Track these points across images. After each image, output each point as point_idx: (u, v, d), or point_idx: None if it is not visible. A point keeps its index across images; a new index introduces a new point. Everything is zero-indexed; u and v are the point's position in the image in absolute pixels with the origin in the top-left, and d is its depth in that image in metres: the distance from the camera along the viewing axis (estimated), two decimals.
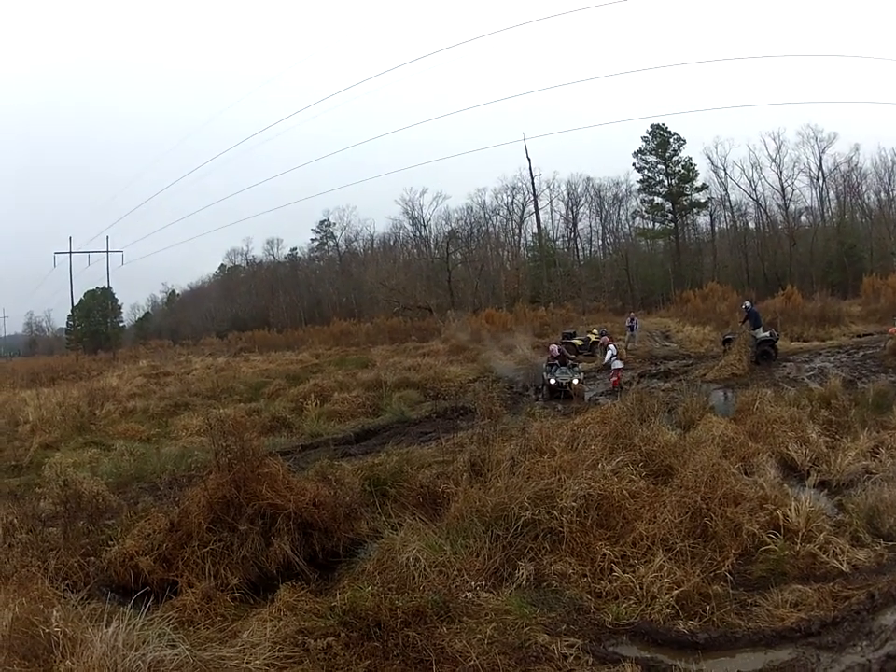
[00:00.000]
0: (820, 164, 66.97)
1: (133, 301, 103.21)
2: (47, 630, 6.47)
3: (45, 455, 18.45)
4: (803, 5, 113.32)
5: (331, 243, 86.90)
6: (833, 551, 8.90)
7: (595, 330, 37.59)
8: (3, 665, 6.25)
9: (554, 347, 25.91)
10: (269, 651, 6.89)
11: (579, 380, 23.23)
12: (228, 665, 6.63)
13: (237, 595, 8.93)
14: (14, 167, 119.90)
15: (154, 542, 9.91)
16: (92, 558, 9.87)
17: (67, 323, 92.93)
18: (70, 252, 70.23)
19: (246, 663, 6.67)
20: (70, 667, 6.04)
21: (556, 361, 24.17)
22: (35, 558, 9.46)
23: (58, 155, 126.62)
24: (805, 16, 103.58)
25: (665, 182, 72.20)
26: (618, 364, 24.31)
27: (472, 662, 6.72)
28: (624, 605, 8.05)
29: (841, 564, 8.69)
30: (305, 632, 7.31)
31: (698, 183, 71.90)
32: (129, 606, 7.56)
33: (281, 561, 9.63)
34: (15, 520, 10.59)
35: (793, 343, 32.76)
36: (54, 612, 6.74)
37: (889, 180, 66.16)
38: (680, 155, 71.61)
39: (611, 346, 25.66)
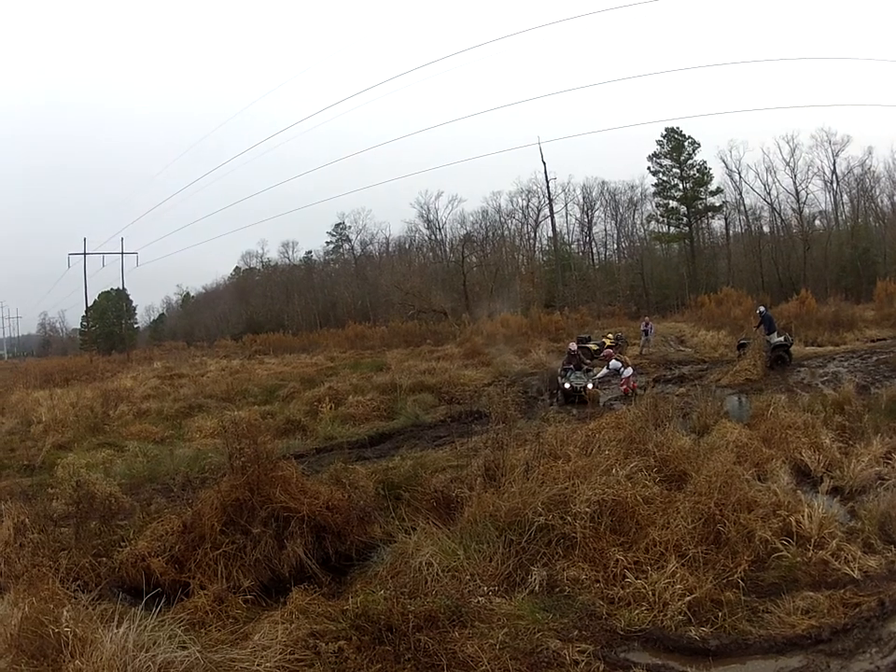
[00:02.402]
0: (834, 168, 66.78)
1: (148, 302, 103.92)
2: (56, 630, 6.46)
3: (57, 456, 18.44)
4: (815, 8, 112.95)
5: (347, 246, 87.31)
6: (845, 557, 8.85)
7: (610, 335, 37.48)
8: (11, 665, 6.25)
9: (573, 345, 25.86)
10: (280, 653, 6.87)
11: (594, 384, 23.14)
12: (238, 667, 6.61)
13: (249, 597, 8.95)
14: (29, 168, 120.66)
15: (166, 544, 9.93)
16: (104, 559, 9.88)
17: (81, 324, 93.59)
18: (84, 253, 70.57)
19: (257, 665, 6.65)
20: (79, 667, 6.03)
21: (571, 365, 24.08)
22: (46, 558, 9.48)
23: (73, 157, 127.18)
24: (818, 19, 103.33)
25: (680, 186, 72.02)
26: (627, 372, 24.06)
27: (484, 667, 6.70)
28: (637, 611, 8.02)
29: (852, 571, 8.63)
30: (317, 635, 7.28)
31: (713, 187, 71.78)
32: (140, 607, 7.53)
33: (294, 564, 9.65)
34: (27, 520, 10.57)
35: (807, 348, 32.71)
36: (64, 612, 6.73)
37: None
38: (695, 159, 71.55)
39: (613, 362, 25.15)
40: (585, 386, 22.77)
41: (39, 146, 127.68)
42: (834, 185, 67.66)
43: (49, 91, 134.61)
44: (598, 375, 24.30)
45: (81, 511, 10.81)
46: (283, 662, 6.76)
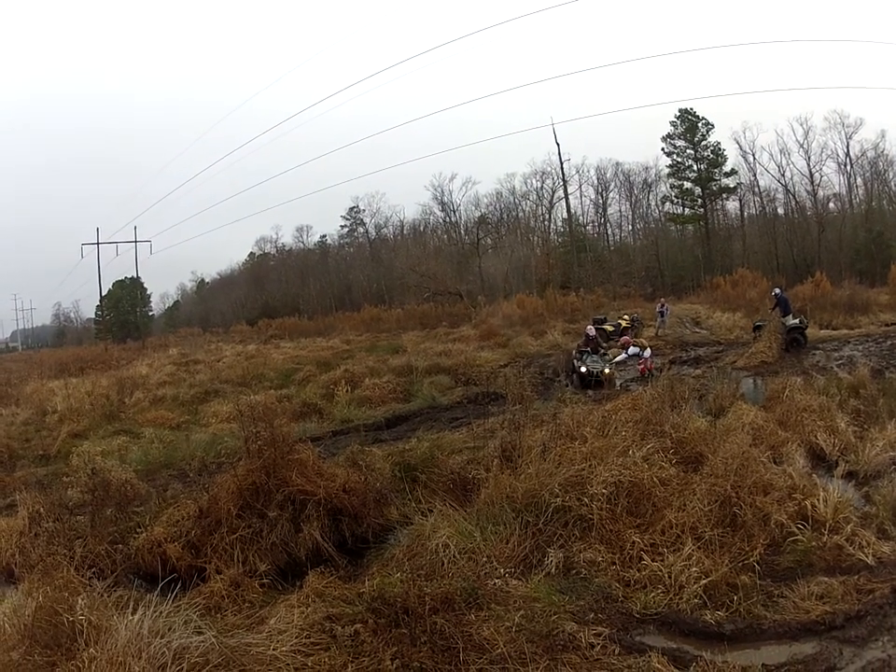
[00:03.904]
0: (847, 150, 66.97)
1: (163, 290, 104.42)
2: (71, 618, 6.43)
3: (73, 445, 18.55)
4: None
5: (361, 229, 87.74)
6: (860, 543, 8.77)
7: (626, 316, 37.54)
8: (25, 654, 6.22)
9: (591, 328, 25.87)
10: (296, 637, 6.83)
11: (610, 369, 23.00)
12: (254, 651, 6.57)
13: (265, 581, 8.94)
14: (41, 161, 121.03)
15: (182, 529, 9.93)
16: (120, 545, 9.91)
17: (96, 313, 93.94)
18: (97, 243, 71.04)
19: (273, 649, 6.60)
20: (93, 655, 5.98)
21: (588, 348, 23.91)
22: (61, 546, 9.49)
23: (85, 147, 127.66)
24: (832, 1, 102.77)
25: (695, 167, 72.15)
26: (646, 353, 24.06)
27: (500, 650, 6.64)
28: (653, 594, 7.98)
29: (866, 556, 8.54)
30: (333, 618, 7.24)
31: (727, 168, 71.96)
32: (156, 593, 7.52)
33: (310, 547, 9.62)
34: (41, 509, 10.58)
35: (822, 331, 32.81)
36: (79, 600, 6.69)
37: None
38: (709, 140, 71.81)
39: (632, 348, 25.12)
40: (602, 370, 22.63)
41: (49, 139, 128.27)
42: (848, 167, 67.85)
43: (57, 83, 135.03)
44: (617, 359, 24.28)
45: (97, 498, 10.86)
46: (298, 646, 6.71)
